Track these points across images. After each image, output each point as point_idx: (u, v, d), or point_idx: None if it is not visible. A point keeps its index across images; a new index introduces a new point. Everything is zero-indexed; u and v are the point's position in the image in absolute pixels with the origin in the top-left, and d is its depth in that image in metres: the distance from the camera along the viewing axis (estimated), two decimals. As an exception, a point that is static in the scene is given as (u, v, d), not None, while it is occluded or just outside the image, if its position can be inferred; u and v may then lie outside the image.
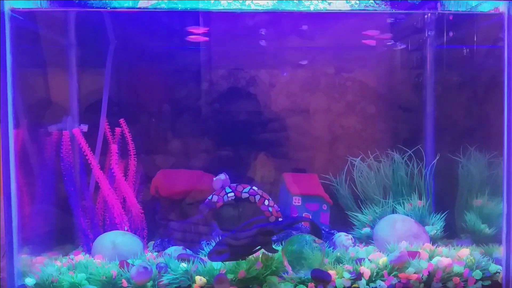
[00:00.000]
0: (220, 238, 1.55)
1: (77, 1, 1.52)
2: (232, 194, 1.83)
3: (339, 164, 1.98)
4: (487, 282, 1.55)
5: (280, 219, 1.84)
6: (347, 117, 2.12)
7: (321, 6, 1.49)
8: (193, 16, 1.72)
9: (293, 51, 2.07)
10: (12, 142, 1.49)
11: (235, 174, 1.90)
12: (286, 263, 1.53)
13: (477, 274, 1.55)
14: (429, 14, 1.92)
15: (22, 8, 1.53)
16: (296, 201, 1.88)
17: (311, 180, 1.94)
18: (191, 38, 1.78)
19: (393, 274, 1.52)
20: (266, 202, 1.84)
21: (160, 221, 1.90)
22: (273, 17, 1.86)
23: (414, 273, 1.52)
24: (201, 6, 1.48)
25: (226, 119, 2.08)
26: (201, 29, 1.75)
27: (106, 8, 1.52)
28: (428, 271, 1.53)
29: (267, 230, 1.52)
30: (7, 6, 1.47)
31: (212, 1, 1.47)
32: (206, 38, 1.84)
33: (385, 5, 1.52)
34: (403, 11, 1.60)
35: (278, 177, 2.05)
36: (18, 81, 1.51)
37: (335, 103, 2.11)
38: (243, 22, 1.82)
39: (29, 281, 1.51)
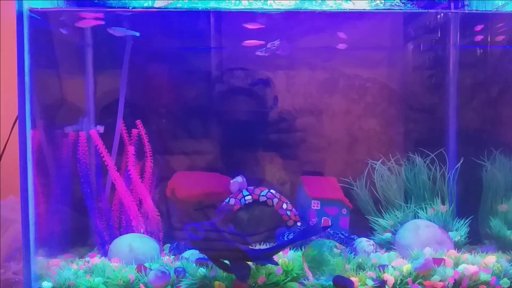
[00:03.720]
0: (211, 225, 1.49)
1: (96, 1, 1.49)
2: (250, 197, 1.80)
3: (359, 167, 1.94)
4: (516, 291, 1.50)
5: (298, 224, 1.80)
6: (367, 119, 2.08)
7: (345, 6, 1.46)
8: (216, 16, 1.69)
9: (313, 51, 2.03)
10: (30, 143, 1.47)
11: (252, 176, 1.87)
12: (306, 269, 1.49)
13: (505, 282, 1.50)
14: (449, 14, 1.88)
15: (40, 8, 1.51)
16: (315, 205, 1.84)
17: (330, 184, 1.90)
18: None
19: (417, 281, 1.47)
20: (284, 206, 1.80)
21: (176, 224, 1.87)
22: (294, 17, 1.82)
23: (440, 281, 1.48)
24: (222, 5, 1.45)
25: (244, 121, 2.04)
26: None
27: (127, 8, 1.49)
28: (454, 279, 1.48)
29: (245, 254, 1.44)
30: (26, 6, 1.45)
31: (234, 1, 1.44)
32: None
33: (411, 4, 1.48)
34: (428, 10, 1.55)
35: (296, 180, 2.01)
36: (35, 81, 1.49)
37: (355, 105, 2.07)
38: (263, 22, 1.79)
39: (46, 284, 1.49)
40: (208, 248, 1.45)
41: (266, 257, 1.47)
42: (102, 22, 1.63)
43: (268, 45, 1.63)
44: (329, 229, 1.77)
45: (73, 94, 1.92)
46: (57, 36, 1.76)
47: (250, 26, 1.64)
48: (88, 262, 1.65)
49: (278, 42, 1.64)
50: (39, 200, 1.54)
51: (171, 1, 1.55)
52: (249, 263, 1.47)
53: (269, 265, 1.48)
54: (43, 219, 1.58)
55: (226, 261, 1.46)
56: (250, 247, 1.47)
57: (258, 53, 1.66)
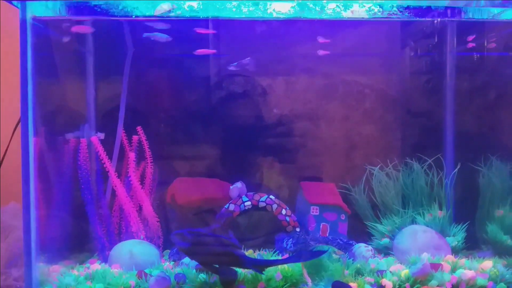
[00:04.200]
0: (199, 230, 1.49)
1: (98, 10, 1.51)
2: (249, 203, 1.81)
3: (357, 173, 1.95)
4: (512, 296, 1.52)
5: (297, 229, 1.81)
6: (365, 125, 2.10)
7: (344, 15, 1.48)
8: (216, 24, 1.71)
9: (312, 58, 2.05)
10: (32, 149, 1.48)
11: (251, 182, 1.88)
12: (305, 274, 1.50)
13: (502, 287, 1.51)
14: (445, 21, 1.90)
15: (43, 17, 1.53)
16: (314, 210, 1.86)
17: (329, 189, 1.92)
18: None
19: (415, 287, 1.49)
20: (284, 212, 1.82)
21: (176, 230, 1.88)
22: (293, 25, 1.85)
23: (437, 286, 1.49)
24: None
25: (243, 127, 2.06)
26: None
27: (130, 16, 1.51)
28: (452, 284, 1.50)
29: (239, 260, 1.43)
30: (29, 15, 1.46)
31: (234, 10, 1.46)
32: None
33: (408, 13, 1.50)
34: (425, 19, 1.58)
35: (295, 186, 2.02)
36: (37, 88, 1.50)
37: (353, 110, 2.09)
38: (264, 30, 1.81)
39: (47, 291, 1.50)
40: (197, 253, 1.46)
41: (256, 267, 1.46)
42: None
43: (242, 61, 1.71)
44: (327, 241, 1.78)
45: (74, 100, 1.93)
46: (59, 43, 1.78)
47: (200, 31, 1.71)
48: (88, 268, 1.66)
49: (248, 59, 1.76)
50: (40, 206, 1.55)
51: (172, 9, 1.57)
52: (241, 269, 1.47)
53: (269, 270, 1.49)
54: (44, 225, 1.58)
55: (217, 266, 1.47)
56: (240, 251, 1.47)
57: (231, 68, 1.74)
